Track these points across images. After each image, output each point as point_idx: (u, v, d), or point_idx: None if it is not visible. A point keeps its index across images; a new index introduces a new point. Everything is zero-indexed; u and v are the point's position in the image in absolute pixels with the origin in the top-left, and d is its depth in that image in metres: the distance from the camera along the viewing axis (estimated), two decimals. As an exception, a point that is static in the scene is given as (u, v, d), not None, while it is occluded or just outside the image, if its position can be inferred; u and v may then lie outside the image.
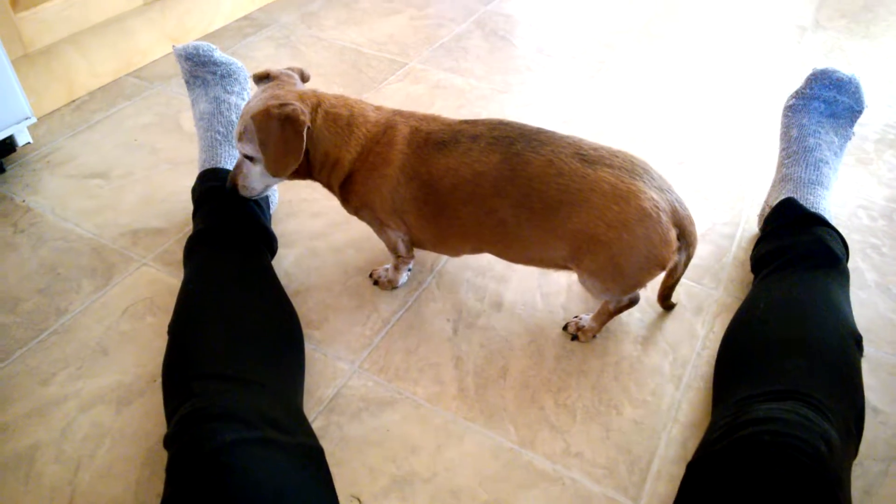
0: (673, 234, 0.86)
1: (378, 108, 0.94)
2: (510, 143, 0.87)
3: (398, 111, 0.95)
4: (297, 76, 0.98)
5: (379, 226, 0.99)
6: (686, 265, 0.92)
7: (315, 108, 0.91)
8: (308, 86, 1.49)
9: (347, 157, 0.92)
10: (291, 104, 0.87)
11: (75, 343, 0.97)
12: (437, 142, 0.90)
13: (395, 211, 0.94)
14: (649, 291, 1.06)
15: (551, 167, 0.85)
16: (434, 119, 0.93)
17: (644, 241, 0.84)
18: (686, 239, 0.88)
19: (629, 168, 0.85)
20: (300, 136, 0.87)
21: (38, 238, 1.13)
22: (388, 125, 0.92)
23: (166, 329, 0.87)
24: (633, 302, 0.98)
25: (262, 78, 0.96)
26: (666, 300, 1.02)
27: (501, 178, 0.86)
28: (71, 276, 1.07)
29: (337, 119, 0.91)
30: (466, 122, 0.92)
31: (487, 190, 0.87)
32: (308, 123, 0.88)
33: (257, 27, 1.78)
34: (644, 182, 0.84)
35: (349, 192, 0.95)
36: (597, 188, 0.83)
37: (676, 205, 0.86)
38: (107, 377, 0.92)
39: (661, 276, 0.96)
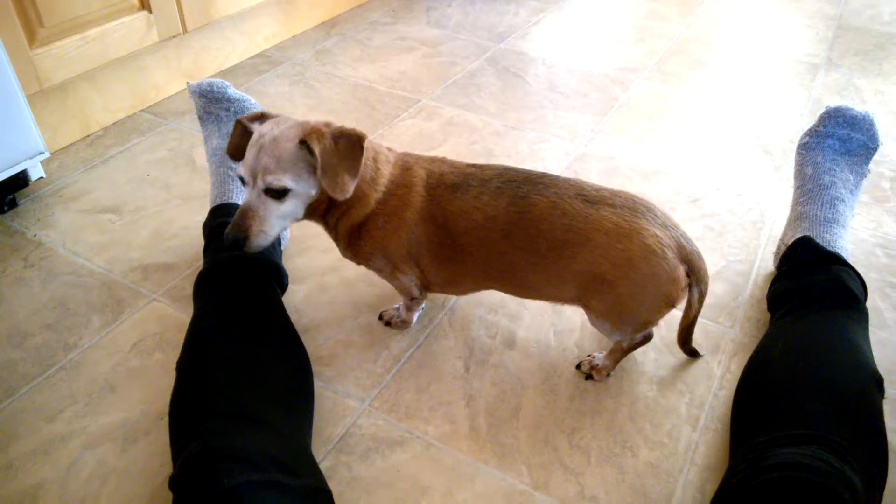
0: (681, 270, 0.85)
1: (389, 149, 0.93)
2: (517, 187, 0.88)
3: (406, 153, 0.94)
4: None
5: (391, 272, 0.96)
6: (700, 303, 0.90)
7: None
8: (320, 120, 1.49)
9: (374, 196, 0.88)
10: (335, 125, 0.83)
11: (83, 379, 0.95)
12: (449, 185, 0.90)
13: (409, 255, 0.93)
14: (664, 331, 1.04)
15: (555, 208, 0.85)
16: (443, 161, 0.94)
17: (651, 279, 0.84)
18: (696, 275, 0.86)
19: (631, 207, 0.85)
20: (361, 151, 0.81)
21: (49, 273, 1.13)
22: (405, 167, 0.90)
23: (174, 366, 0.85)
24: (647, 339, 0.97)
25: (256, 118, 0.90)
26: (686, 344, 1.00)
27: (509, 221, 0.87)
28: (80, 312, 1.06)
29: (370, 154, 0.88)
30: (474, 165, 0.93)
31: (497, 233, 0.87)
32: (366, 137, 0.83)
33: (272, 64, 1.81)
34: (647, 220, 0.84)
35: (363, 237, 0.91)
36: (600, 227, 0.83)
37: (682, 241, 0.85)
38: (113, 414, 0.91)
39: (678, 316, 0.95)
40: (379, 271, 0.97)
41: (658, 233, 0.83)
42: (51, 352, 0.99)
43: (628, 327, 0.91)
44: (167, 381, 0.93)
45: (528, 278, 0.90)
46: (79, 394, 0.93)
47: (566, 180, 0.89)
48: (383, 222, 0.90)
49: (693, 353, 1.01)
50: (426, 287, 0.99)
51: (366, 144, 0.84)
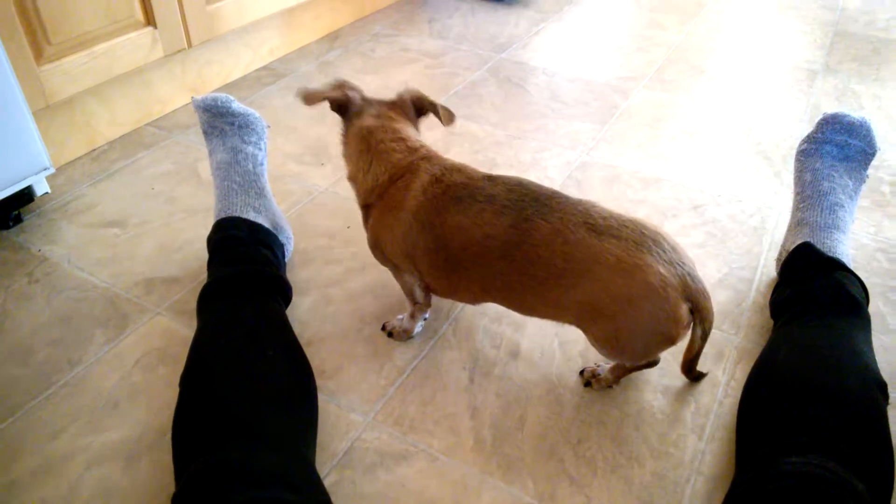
0: (682, 309, 0.82)
1: (413, 151, 0.95)
2: (522, 208, 0.86)
3: (429, 157, 0.95)
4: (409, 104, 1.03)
5: (394, 269, 1.00)
6: (704, 340, 0.88)
7: (357, 115, 1.00)
8: (324, 131, 1.53)
9: (364, 185, 0.97)
10: (343, 89, 1.00)
11: (86, 395, 0.95)
12: (454, 196, 0.89)
13: (407, 255, 0.94)
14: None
15: (558, 235, 0.84)
16: (460, 170, 0.93)
17: (650, 318, 0.82)
18: (700, 314, 0.84)
19: (638, 240, 0.82)
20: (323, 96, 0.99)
21: (53, 288, 1.14)
22: (409, 169, 0.93)
23: (178, 381, 0.86)
24: (651, 364, 0.97)
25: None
26: (690, 372, 0.98)
27: (510, 242, 0.86)
28: (84, 327, 1.06)
29: (361, 142, 0.97)
30: (488, 177, 0.92)
31: (496, 253, 0.87)
32: (335, 98, 1.00)
33: (276, 77, 1.82)
34: (653, 255, 0.81)
35: (369, 223, 0.99)
36: (602, 260, 0.81)
37: (688, 279, 0.82)
38: (116, 431, 0.91)
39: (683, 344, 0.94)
40: (384, 265, 1.01)
41: (662, 270, 0.81)
42: (54, 368, 0.99)
43: (626, 357, 0.91)
44: (171, 396, 0.93)
45: (526, 300, 0.90)
46: (82, 411, 0.93)
47: (576, 204, 0.87)
48: (379, 215, 0.95)
49: (697, 378, 1.00)
50: (431, 290, 1.00)
51: (363, 132, 0.98)
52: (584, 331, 0.89)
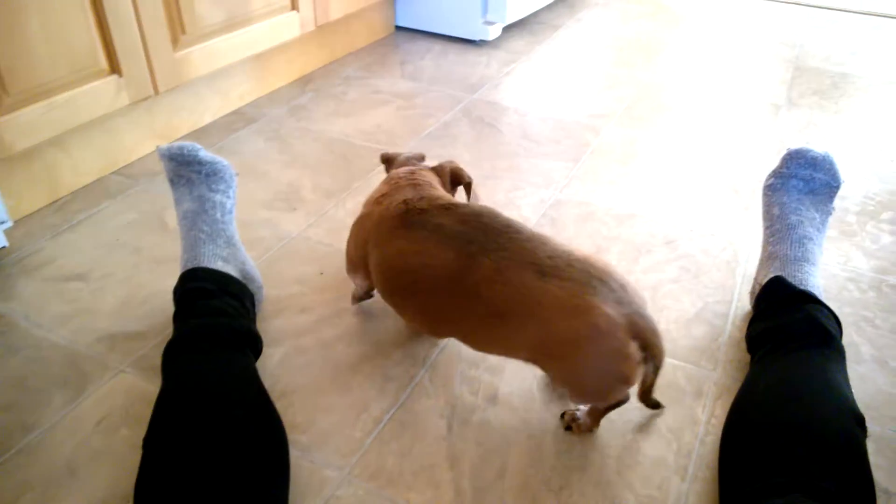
0: (632, 347, 0.80)
1: (409, 177, 1.03)
2: (468, 242, 0.85)
3: (415, 184, 1.00)
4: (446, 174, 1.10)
5: (350, 264, 1.07)
6: (656, 374, 0.87)
7: (396, 167, 1.10)
8: (295, 176, 1.53)
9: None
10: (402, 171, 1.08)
11: (41, 464, 0.90)
12: (408, 221, 0.91)
13: (361, 258, 1.00)
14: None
15: (500, 275, 0.82)
16: (431, 199, 0.95)
17: (599, 359, 0.81)
18: (651, 350, 0.83)
19: (584, 280, 0.80)
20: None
21: (8, 348, 1.08)
22: (395, 187, 1.00)
23: (141, 443, 0.81)
24: (622, 402, 0.95)
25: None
26: (647, 403, 0.97)
27: (450, 276, 0.85)
28: (41, 388, 1.01)
29: (385, 180, 1.07)
30: (446, 206, 0.93)
31: (436, 284, 0.86)
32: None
33: (246, 122, 1.81)
34: (599, 296, 0.79)
35: None
36: (545, 302, 0.80)
37: (636, 317, 0.81)
38: (74, 500, 0.85)
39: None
40: (347, 261, 1.08)
41: (609, 310, 0.79)
42: (7, 435, 0.94)
43: (585, 398, 0.90)
44: (134, 460, 0.88)
45: (476, 336, 0.90)
46: (36, 480, 0.88)
47: (527, 241, 0.85)
48: (357, 218, 1.04)
49: (655, 407, 0.98)
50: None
51: (391, 176, 1.06)
52: (543, 370, 0.89)
